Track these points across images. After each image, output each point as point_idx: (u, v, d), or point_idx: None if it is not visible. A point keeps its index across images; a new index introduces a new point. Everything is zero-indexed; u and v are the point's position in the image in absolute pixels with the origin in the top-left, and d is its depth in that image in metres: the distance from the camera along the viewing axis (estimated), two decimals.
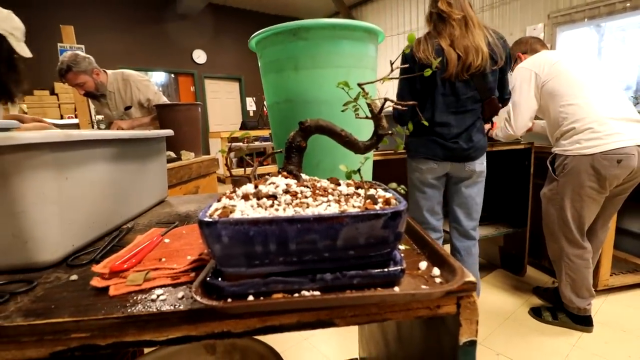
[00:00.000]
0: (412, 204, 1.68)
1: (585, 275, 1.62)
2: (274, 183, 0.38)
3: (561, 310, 1.75)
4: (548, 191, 1.62)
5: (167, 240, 0.53)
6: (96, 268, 0.42)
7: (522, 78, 1.63)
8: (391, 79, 0.49)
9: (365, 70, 0.73)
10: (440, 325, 0.41)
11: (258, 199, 0.36)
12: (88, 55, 2.17)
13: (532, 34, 4.79)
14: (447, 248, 1.75)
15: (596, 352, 1.57)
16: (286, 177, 0.40)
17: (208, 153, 7.26)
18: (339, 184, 0.41)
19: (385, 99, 0.44)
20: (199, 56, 7.43)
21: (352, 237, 0.33)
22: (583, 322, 1.68)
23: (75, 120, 3.47)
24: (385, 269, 0.35)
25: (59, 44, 3.09)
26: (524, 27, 4.89)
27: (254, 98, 8.32)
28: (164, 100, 2.36)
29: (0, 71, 1.50)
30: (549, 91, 1.57)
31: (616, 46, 4.35)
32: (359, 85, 0.44)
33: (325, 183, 0.41)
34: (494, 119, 1.77)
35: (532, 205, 2.18)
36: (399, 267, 0.35)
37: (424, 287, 0.35)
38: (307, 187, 0.37)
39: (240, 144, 4.70)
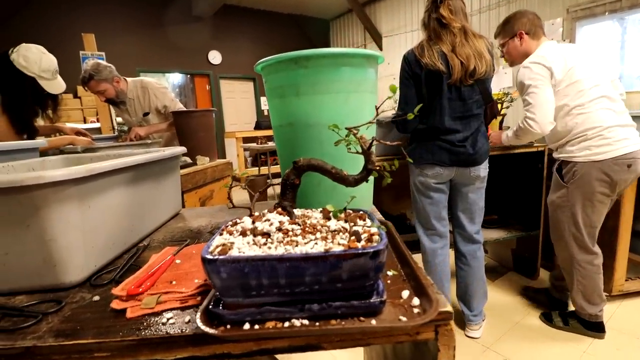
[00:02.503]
0: (417, 211, 1.70)
1: (597, 281, 1.61)
2: (268, 220, 0.42)
3: (572, 316, 1.74)
4: (557, 198, 1.61)
5: (178, 261, 0.58)
6: (115, 291, 0.48)
7: (538, 72, 1.52)
8: (377, 122, 0.52)
9: (365, 94, 0.76)
10: (424, 346, 0.45)
11: (254, 236, 0.40)
12: (109, 65, 2.27)
13: (551, 29, 4.67)
14: (451, 252, 1.78)
15: (607, 359, 1.56)
16: (280, 214, 0.44)
17: (224, 153, 7.41)
18: (329, 218, 0.45)
19: (373, 138, 0.47)
20: (214, 57, 7.55)
21: (336, 273, 0.37)
22: (595, 328, 1.67)
23: (97, 125, 3.62)
24: (367, 300, 0.39)
25: (81, 52, 3.23)
26: (542, 22, 4.76)
27: None
28: (180, 107, 2.44)
29: (23, 109, 1.63)
30: (560, 97, 1.54)
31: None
32: (347, 129, 0.47)
33: (315, 219, 0.45)
34: (493, 125, 1.77)
35: (545, 208, 2.16)
36: (380, 299, 0.39)
37: (401, 317, 0.38)
38: (298, 224, 0.41)
39: (254, 144, 4.78)
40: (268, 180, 4.62)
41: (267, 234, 0.40)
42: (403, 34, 6.97)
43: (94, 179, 0.56)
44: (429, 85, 1.47)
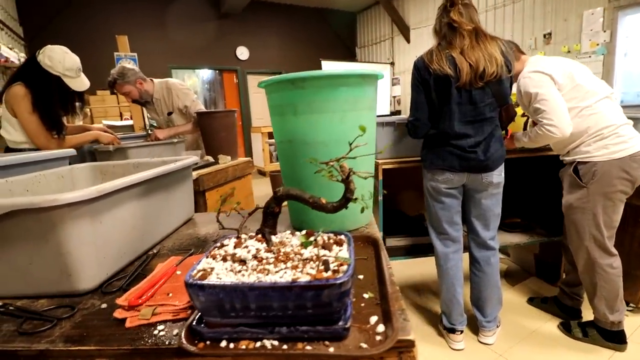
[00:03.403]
0: (430, 215, 1.69)
1: (619, 284, 1.56)
2: (247, 247, 0.46)
3: (591, 326, 1.69)
4: (576, 201, 1.56)
5: (178, 272, 0.64)
6: (119, 301, 0.54)
7: (540, 80, 1.51)
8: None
9: (361, 112, 0.78)
10: None
11: (233, 262, 0.44)
12: (133, 67, 2.40)
13: (590, 19, 4.40)
14: (465, 257, 1.75)
15: None
16: (259, 241, 0.48)
17: (250, 147, 7.56)
18: (307, 245, 0.48)
19: (350, 170, 0.50)
20: (242, 53, 7.69)
21: (301, 302, 0.40)
22: (615, 338, 1.61)
23: (130, 122, 3.81)
24: (332, 327, 0.42)
25: (115, 53, 3.41)
26: (581, 12, 4.50)
27: None
28: (200, 107, 2.54)
29: (51, 107, 1.76)
30: (566, 99, 1.51)
31: None
32: (330, 161, 0.50)
33: (290, 247, 0.48)
34: (509, 127, 1.73)
35: None
36: (344, 326, 0.42)
37: (363, 345, 0.41)
38: (273, 252, 0.45)
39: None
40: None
41: (243, 261, 0.44)
42: (431, 26, 6.76)
43: (105, 197, 0.62)
44: (438, 90, 1.46)
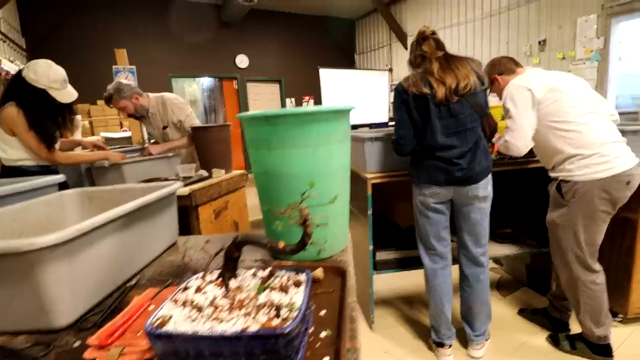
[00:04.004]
0: (418, 230, 1.72)
1: (603, 300, 1.58)
2: (205, 293, 0.49)
3: (579, 339, 1.70)
4: (557, 218, 1.58)
5: (152, 307, 0.67)
6: (90, 340, 0.57)
7: (518, 95, 1.59)
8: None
9: (333, 145, 0.81)
10: None
11: (192, 308, 0.47)
12: (129, 82, 2.45)
13: (584, 26, 4.43)
14: (455, 269, 1.78)
15: None
16: (219, 285, 0.51)
17: (246, 154, 7.60)
18: (262, 291, 0.51)
19: (307, 215, 0.53)
20: (242, 61, 7.77)
21: (251, 350, 0.43)
22: (603, 352, 1.63)
23: (128, 134, 3.87)
24: None
25: (113, 66, 3.47)
26: (575, 19, 4.52)
27: (294, 98, 8.52)
28: (195, 121, 2.58)
29: (43, 121, 1.80)
30: (545, 117, 1.54)
31: None
32: (287, 209, 0.53)
33: (247, 291, 0.51)
34: (495, 140, 1.76)
35: None
36: None
37: None
38: (229, 298, 0.48)
39: None
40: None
41: (200, 308, 0.47)
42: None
43: (83, 235, 0.66)
44: (418, 108, 1.54)
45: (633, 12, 4.06)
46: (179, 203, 1.93)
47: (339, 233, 0.88)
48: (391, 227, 2.43)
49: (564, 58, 4.69)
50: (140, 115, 2.56)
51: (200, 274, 0.58)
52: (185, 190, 1.87)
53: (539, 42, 4.95)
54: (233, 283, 0.53)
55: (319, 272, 0.71)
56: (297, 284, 0.54)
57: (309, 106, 0.79)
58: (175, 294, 0.52)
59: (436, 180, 1.56)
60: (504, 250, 2.16)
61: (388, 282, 2.55)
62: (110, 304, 0.70)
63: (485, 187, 1.57)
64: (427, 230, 1.67)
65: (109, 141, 3.63)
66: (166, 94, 2.61)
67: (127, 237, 0.81)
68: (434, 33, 1.60)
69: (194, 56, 7.17)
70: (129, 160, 2.23)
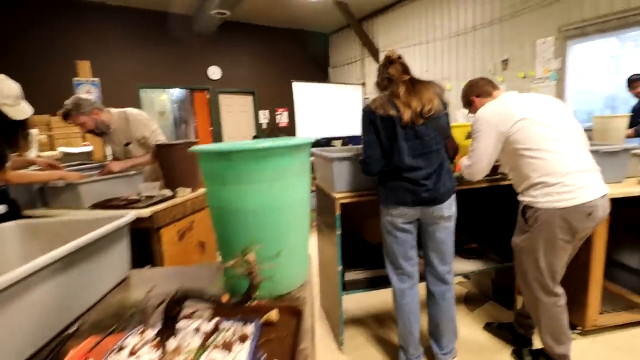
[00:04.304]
0: (386, 249, 1.74)
1: (563, 321, 1.62)
2: (139, 358, 0.46)
3: (542, 355, 1.74)
4: (521, 242, 1.63)
5: None
6: None
7: (482, 127, 1.65)
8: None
9: (290, 179, 0.79)
10: None
11: None
12: (89, 98, 2.35)
13: (542, 48, 4.69)
14: (422, 287, 1.79)
15: None
16: (156, 347, 0.48)
17: None
18: (200, 354, 0.48)
19: (252, 270, 0.51)
20: (214, 72, 7.67)
21: None
22: None
23: (89, 148, 3.70)
24: None
25: (74, 79, 3.32)
26: (534, 41, 4.79)
27: (268, 110, 8.49)
28: (161, 138, 2.49)
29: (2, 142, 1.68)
30: (513, 144, 1.58)
31: (634, 56, 4.21)
32: (234, 261, 0.51)
33: (185, 354, 0.48)
34: (461, 163, 1.81)
35: None
36: None
37: None
38: None
39: None
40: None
41: None
42: (400, 49, 7.01)
43: (16, 283, 0.60)
44: (385, 129, 1.57)
45: (586, 35, 4.35)
46: (140, 225, 1.86)
47: (297, 267, 0.86)
48: (361, 244, 2.43)
49: (525, 77, 4.94)
50: (100, 132, 2.45)
51: (140, 328, 0.54)
52: (146, 212, 1.80)
53: (502, 62, 5.20)
54: (172, 343, 0.50)
55: (273, 315, 0.68)
56: (243, 339, 0.51)
57: (265, 142, 0.75)
58: (108, 355, 0.48)
59: (403, 201, 1.58)
60: (470, 266, 2.20)
61: (358, 300, 2.54)
62: (44, 358, 0.65)
63: (449, 207, 1.61)
64: (395, 250, 1.68)
65: (68, 156, 3.45)
66: (129, 110, 2.52)
67: (68, 279, 0.75)
68: (400, 57, 1.64)
69: (164, 67, 7.02)
70: (86, 180, 2.10)
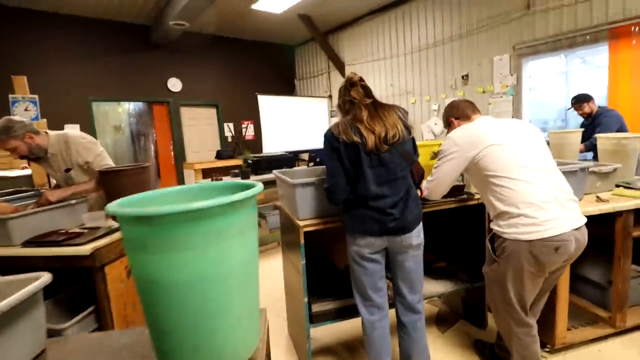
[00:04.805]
0: (354, 280, 1.64)
1: (534, 350, 1.58)
2: None
3: None
4: (490, 271, 1.59)
5: None
6: None
7: (450, 149, 1.61)
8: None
9: (229, 241, 0.66)
10: None
11: None
12: (22, 120, 2.09)
13: (499, 64, 4.89)
14: (392, 314, 1.70)
15: None
16: None
17: (183, 184, 7.15)
18: None
19: None
20: (174, 84, 7.37)
21: None
22: None
23: (28, 172, 3.34)
24: None
25: (10, 95, 3.00)
26: (491, 57, 4.98)
27: (232, 123, 8.27)
28: (107, 162, 2.26)
29: None
30: (479, 169, 1.54)
31: (580, 72, 4.50)
32: None
33: None
34: (423, 186, 1.77)
35: None
36: None
37: None
38: None
39: (208, 180, 4.61)
40: None
41: None
42: (365, 63, 7.10)
43: None
44: (349, 156, 1.49)
45: (538, 53, 4.58)
46: (80, 264, 1.64)
47: (245, 338, 0.73)
48: (329, 269, 2.33)
49: (484, 92, 5.12)
50: (36, 157, 2.19)
51: None
52: (86, 250, 1.59)
53: (462, 77, 5.36)
54: None
55: None
56: None
57: (196, 203, 0.61)
58: None
59: (370, 230, 1.49)
60: (439, 287, 2.15)
61: (328, 327, 2.41)
62: None
63: (418, 235, 1.55)
64: (364, 281, 1.58)
65: (3, 181, 3.09)
66: (70, 132, 2.27)
67: None
68: (362, 80, 1.58)
69: (120, 79, 6.64)
70: (17, 213, 1.84)
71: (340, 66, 7.61)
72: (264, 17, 6.67)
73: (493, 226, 1.54)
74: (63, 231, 1.88)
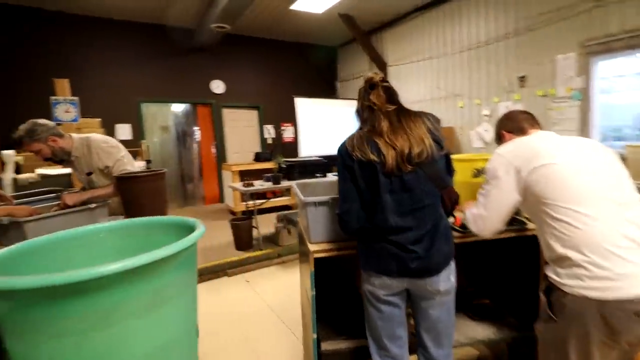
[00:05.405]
0: (368, 323, 1.37)
1: None
2: None
3: None
4: (545, 331, 1.23)
5: None
6: None
7: (496, 168, 1.28)
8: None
9: (127, 323, 0.45)
10: None
11: None
12: (46, 123, 2.11)
13: (563, 64, 4.29)
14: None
15: None
16: None
17: (221, 186, 7.24)
18: None
19: None
20: (218, 86, 7.49)
21: None
22: None
23: (68, 170, 3.46)
24: None
25: (51, 97, 3.11)
26: (554, 56, 4.40)
27: (273, 125, 8.25)
28: (126, 168, 2.21)
29: None
30: (532, 195, 1.20)
31: None
32: None
33: None
34: (458, 213, 1.44)
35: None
36: None
37: None
38: None
39: (240, 184, 4.54)
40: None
41: None
42: (409, 64, 6.70)
43: None
44: (364, 177, 1.22)
45: (611, 51, 3.94)
46: None
47: None
48: (351, 297, 2.07)
49: (545, 95, 4.53)
50: (60, 160, 2.20)
51: None
52: None
53: (519, 78, 4.80)
54: None
55: None
56: None
57: (72, 272, 0.41)
58: None
59: (386, 270, 1.22)
60: (480, 331, 1.81)
61: None
62: None
63: (447, 279, 1.24)
64: (379, 326, 1.31)
65: (46, 179, 3.22)
66: (93, 136, 2.26)
67: None
68: (384, 80, 1.30)
69: (166, 81, 6.87)
70: (33, 217, 1.84)
71: (382, 67, 7.27)
72: (305, 18, 6.53)
73: (549, 273, 1.18)
74: None
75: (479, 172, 1.82)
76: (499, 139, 1.52)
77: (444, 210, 1.26)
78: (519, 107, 4.72)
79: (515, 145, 1.30)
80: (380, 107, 1.25)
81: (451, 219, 1.52)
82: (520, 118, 1.44)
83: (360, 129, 1.29)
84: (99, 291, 0.43)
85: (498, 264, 2.09)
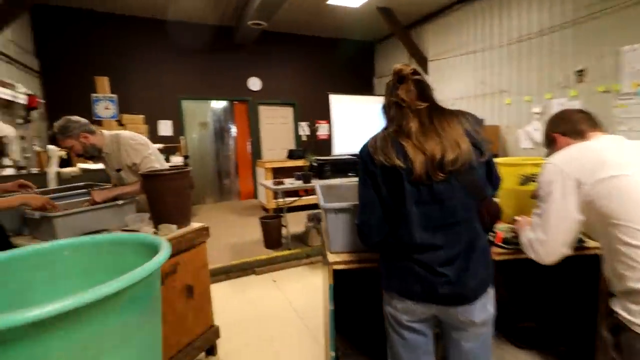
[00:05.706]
0: (390, 350, 1.21)
1: None
2: None
3: None
4: None
5: None
6: None
7: (553, 180, 1.08)
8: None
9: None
10: None
11: None
12: (79, 120, 2.16)
13: (631, 56, 3.80)
14: None
15: None
16: None
17: (255, 182, 7.29)
18: None
19: None
20: (254, 83, 7.55)
21: None
22: None
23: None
24: None
25: (92, 95, 3.24)
26: (618, 48, 3.91)
27: (307, 123, 8.19)
28: (153, 165, 2.22)
29: None
30: (599, 215, 1.00)
31: None
32: None
33: None
34: (498, 228, 1.24)
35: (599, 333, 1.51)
36: None
37: None
38: None
39: (270, 182, 4.50)
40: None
41: None
42: (452, 58, 6.33)
43: None
44: (388, 184, 1.07)
45: None
46: None
47: None
48: (377, 310, 1.92)
49: (607, 92, 4.05)
50: (91, 156, 2.25)
51: None
52: None
53: (577, 72, 4.34)
54: None
55: None
56: None
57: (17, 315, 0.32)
58: None
59: (409, 292, 1.06)
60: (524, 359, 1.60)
61: None
62: None
63: (483, 309, 1.05)
64: (402, 355, 1.16)
65: (86, 173, 3.36)
66: (122, 133, 2.29)
67: None
68: (415, 72, 1.13)
69: (205, 79, 7.02)
70: (62, 212, 1.89)
71: (422, 62, 6.94)
72: (341, 13, 6.36)
73: (617, 309, 0.98)
74: (104, 232, 1.91)
75: (527, 179, 1.59)
76: (550, 143, 1.30)
77: (482, 226, 1.07)
78: (575, 105, 4.27)
79: (573, 153, 1.09)
80: (410, 104, 1.08)
81: (491, 235, 1.33)
82: (577, 118, 1.21)
83: (386, 128, 1.13)
84: (63, 329, 0.34)
85: (547, 281, 1.84)
